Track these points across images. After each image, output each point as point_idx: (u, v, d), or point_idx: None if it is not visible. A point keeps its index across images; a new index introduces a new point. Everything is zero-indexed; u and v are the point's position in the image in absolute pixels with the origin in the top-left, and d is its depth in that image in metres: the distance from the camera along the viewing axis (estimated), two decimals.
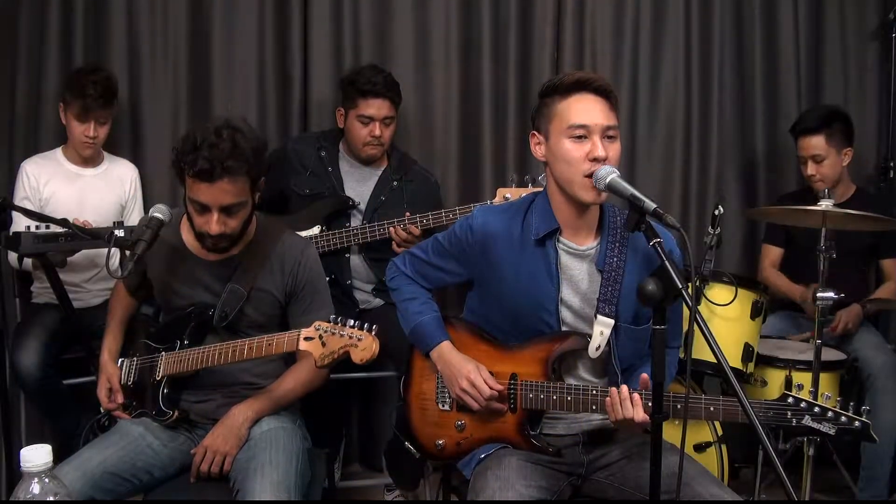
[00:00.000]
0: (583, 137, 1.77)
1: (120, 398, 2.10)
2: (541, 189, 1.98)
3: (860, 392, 2.85)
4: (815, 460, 2.46)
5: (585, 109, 1.78)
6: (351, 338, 1.73)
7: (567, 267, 1.89)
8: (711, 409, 1.73)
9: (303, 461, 1.97)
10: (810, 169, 2.94)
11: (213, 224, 1.89)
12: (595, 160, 1.75)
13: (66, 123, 2.74)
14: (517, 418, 1.90)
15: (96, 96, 2.67)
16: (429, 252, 2.05)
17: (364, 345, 1.72)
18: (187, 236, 2.08)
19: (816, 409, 1.66)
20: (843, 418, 1.66)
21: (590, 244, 1.90)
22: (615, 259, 1.86)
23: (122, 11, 2.98)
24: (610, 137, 1.78)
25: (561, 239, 1.89)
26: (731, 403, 1.71)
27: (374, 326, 1.74)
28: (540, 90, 1.89)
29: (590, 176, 1.75)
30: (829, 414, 1.66)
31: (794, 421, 1.67)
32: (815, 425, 1.66)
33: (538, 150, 1.88)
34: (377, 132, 2.79)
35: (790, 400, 1.68)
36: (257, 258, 2.05)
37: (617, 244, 1.87)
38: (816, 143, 2.92)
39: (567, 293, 1.89)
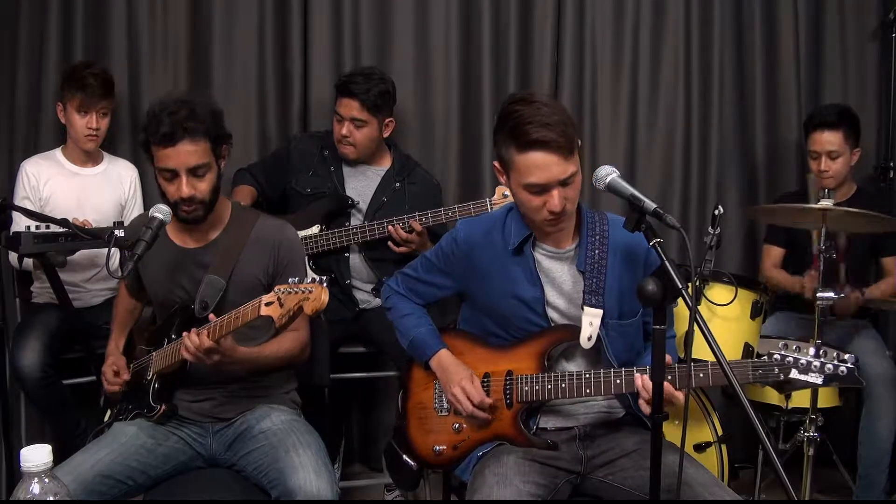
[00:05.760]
0: (541, 192, 1.78)
1: (126, 376, 2.13)
2: None
3: (859, 393, 2.85)
4: (815, 460, 2.46)
5: (543, 167, 1.75)
6: (303, 292, 1.74)
7: (549, 270, 1.93)
8: (701, 375, 1.77)
9: (323, 446, 2.01)
10: (823, 165, 2.92)
11: (184, 186, 1.95)
12: (552, 212, 1.79)
13: (67, 119, 2.74)
14: (513, 413, 1.92)
15: (96, 86, 2.69)
16: (418, 269, 2.12)
17: (314, 296, 1.72)
18: (172, 230, 2.11)
19: (802, 362, 1.72)
20: (829, 366, 1.71)
21: (569, 246, 1.94)
22: (596, 256, 1.89)
23: (122, 11, 2.98)
24: (568, 184, 1.78)
25: (538, 243, 1.93)
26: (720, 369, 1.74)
27: (324, 279, 1.75)
28: (498, 115, 1.84)
29: (547, 220, 1.81)
30: (815, 364, 1.71)
31: (783, 376, 1.73)
32: (803, 377, 1.71)
33: (502, 179, 1.90)
34: (345, 131, 2.79)
35: (776, 357, 1.74)
36: (236, 242, 2.08)
37: (596, 242, 1.90)
38: (834, 138, 2.90)
39: (552, 295, 1.93)
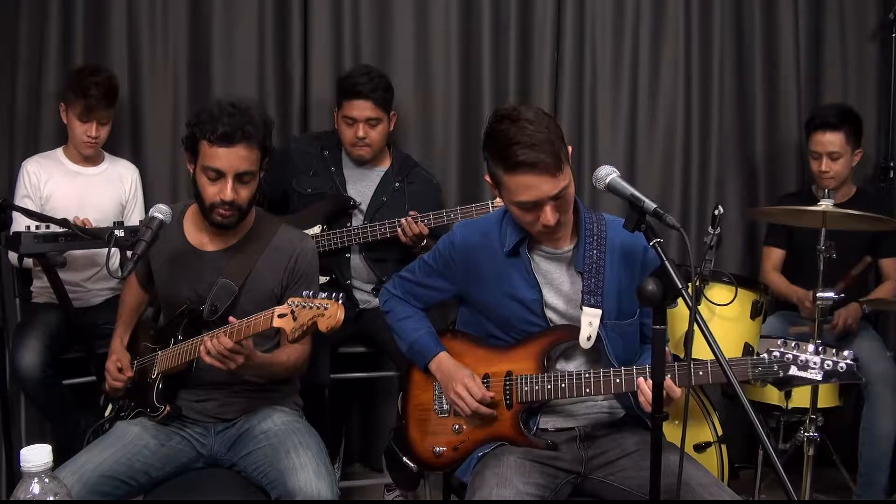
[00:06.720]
0: (533, 208, 1.78)
1: (129, 373, 2.13)
2: None
3: (860, 393, 2.85)
4: (815, 460, 2.46)
5: (533, 187, 1.75)
6: (319, 308, 1.73)
7: (547, 271, 1.94)
8: (700, 373, 1.76)
9: (323, 447, 2.00)
10: (824, 165, 2.91)
11: (228, 190, 1.95)
12: (546, 226, 1.79)
13: (68, 123, 2.74)
14: (513, 414, 1.92)
15: (99, 96, 2.67)
16: (416, 272, 2.11)
17: (330, 313, 1.72)
18: (189, 230, 2.11)
19: (801, 359, 1.73)
20: (828, 363, 1.71)
21: (567, 247, 1.93)
22: (594, 256, 1.89)
23: (122, 11, 2.98)
24: (560, 197, 1.78)
25: (536, 245, 1.93)
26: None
27: (341, 295, 1.75)
28: (484, 133, 1.82)
29: (542, 232, 1.83)
30: (814, 360, 1.72)
31: (782, 373, 1.74)
32: (802, 374, 1.73)
33: (494, 192, 1.91)
34: (360, 133, 2.79)
35: (775, 354, 1.74)
36: (255, 249, 2.08)
37: (594, 242, 1.90)
38: (835, 139, 2.89)
39: (550, 296, 1.93)
